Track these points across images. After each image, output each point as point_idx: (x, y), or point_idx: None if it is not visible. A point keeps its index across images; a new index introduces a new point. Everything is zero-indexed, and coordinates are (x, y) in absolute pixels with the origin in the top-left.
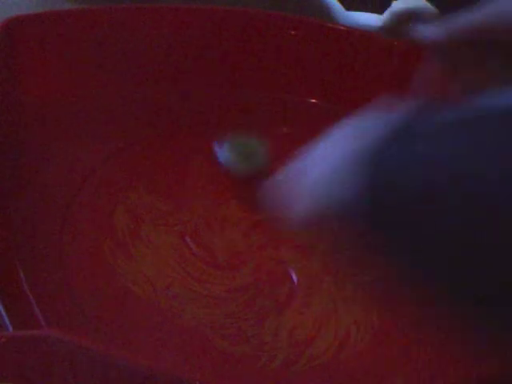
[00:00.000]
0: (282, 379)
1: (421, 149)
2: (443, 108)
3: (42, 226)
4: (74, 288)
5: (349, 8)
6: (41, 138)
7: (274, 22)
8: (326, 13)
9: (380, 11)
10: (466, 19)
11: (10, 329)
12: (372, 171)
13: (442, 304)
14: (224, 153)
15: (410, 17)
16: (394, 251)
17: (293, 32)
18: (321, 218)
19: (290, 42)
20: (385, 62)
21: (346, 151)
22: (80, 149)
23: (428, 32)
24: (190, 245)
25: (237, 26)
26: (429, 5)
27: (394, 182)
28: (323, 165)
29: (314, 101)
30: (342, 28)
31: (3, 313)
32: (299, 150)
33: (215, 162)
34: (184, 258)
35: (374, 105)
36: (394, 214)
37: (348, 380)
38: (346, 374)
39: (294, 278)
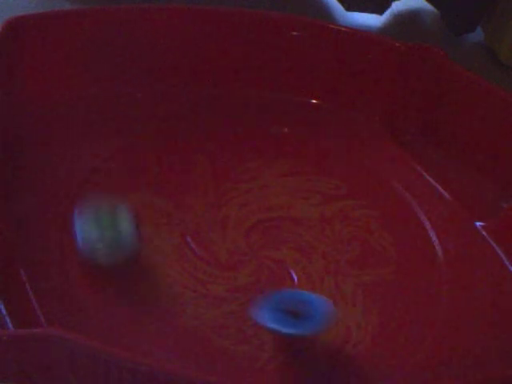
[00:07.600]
0: (282, 379)
1: None
2: None
3: (43, 226)
4: (74, 287)
5: (349, 8)
6: (41, 138)
7: (275, 22)
8: (326, 13)
9: (380, 11)
10: None
11: (11, 328)
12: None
13: None
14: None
15: (410, 18)
16: None
17: (293, 32)
18: None
19: (291, 43)
20: (385, 62)
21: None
22: (81, 149)
23: None
24: (191, 245)
25: (237, 26)
26: (429, 5)
27: None
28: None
29: (314, 101)
30: (343, 28)
31: (4, 312)
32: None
33: (217, 161)
34: (185, 257)
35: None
36: None
37: (348, 380)
38: (345, 374)
39: (295, 278)
